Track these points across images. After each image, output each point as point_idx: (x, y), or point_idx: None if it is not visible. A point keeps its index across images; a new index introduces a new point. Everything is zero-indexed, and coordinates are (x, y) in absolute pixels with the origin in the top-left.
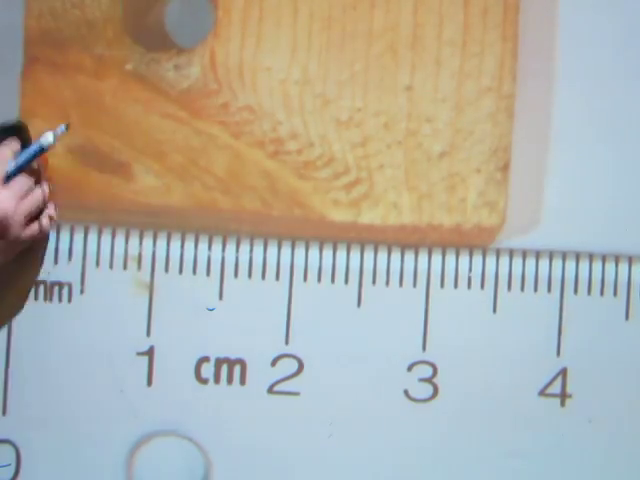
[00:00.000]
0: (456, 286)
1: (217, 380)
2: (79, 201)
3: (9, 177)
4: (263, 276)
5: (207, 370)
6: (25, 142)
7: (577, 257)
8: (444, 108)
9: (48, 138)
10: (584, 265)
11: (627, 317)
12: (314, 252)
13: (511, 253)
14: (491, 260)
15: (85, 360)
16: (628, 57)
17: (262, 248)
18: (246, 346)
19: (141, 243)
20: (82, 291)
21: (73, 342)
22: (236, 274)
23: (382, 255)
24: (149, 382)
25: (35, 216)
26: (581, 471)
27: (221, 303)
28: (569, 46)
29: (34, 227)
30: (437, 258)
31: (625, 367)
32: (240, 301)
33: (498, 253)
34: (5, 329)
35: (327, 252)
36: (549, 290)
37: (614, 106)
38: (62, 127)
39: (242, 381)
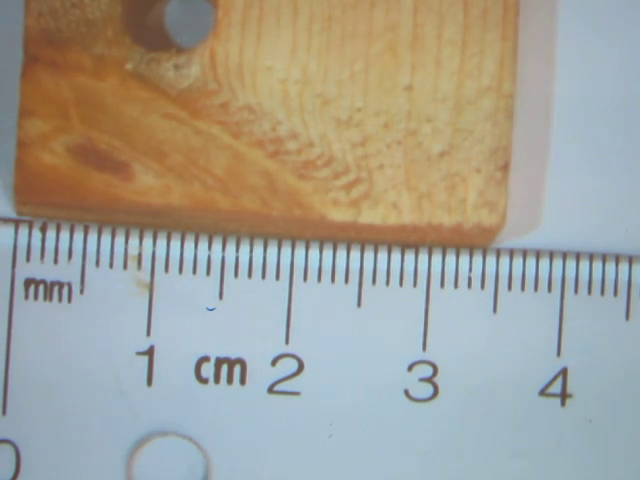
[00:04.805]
0: (456, 286)
1: (217, 380)
2: (79, 201)
3: None
4: (263, 276)
5: (207, 370)
6: None
7: (577, 257)
8: (444, 108)
9: None
10: (584, 265)
11: (627, 317)
12: (314, 252)
13: (511, 253)
14: (491, 260)
15: (85, 360)
16: (628, 56)
17: (262, 248)
18: (246, 346)
19: (141, 243)
20: (82, 291)
21: (73, 342)
22: (236, 274)
23: (382, 255)
24: (149, 382)
25: None
26: (581, 471)
27: (221, 303)
28: (569, 46)
29: None
30: (437, 258)
31: (625, 367)
32: (240, 301)
33: (498, 253)
34: (5, 329)
35: (327, 252)
36: (549, 290)
37: (614, 106)
38: None
39: (242, 381)
